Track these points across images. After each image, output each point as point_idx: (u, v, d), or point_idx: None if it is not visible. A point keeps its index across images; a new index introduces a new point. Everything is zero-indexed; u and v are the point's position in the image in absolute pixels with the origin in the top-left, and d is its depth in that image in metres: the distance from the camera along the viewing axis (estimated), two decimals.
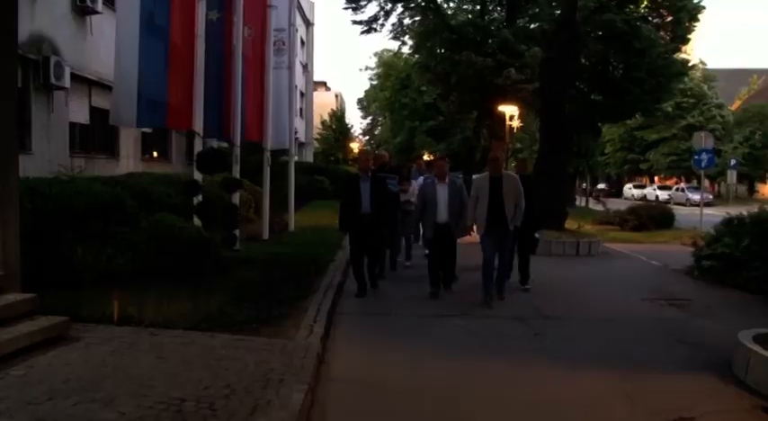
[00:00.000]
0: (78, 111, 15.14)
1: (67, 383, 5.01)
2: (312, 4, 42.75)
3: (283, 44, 16.07)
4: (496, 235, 9.06)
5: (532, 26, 30.31)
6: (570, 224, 17.68)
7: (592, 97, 27.16)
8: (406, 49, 34.56)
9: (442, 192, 9.44)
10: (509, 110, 29.59)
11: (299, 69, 31.50)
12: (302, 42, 38.16)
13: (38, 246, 7.84)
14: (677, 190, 52.01)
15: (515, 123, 32.63)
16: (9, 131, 6.77)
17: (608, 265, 13.15)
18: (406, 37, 31.83)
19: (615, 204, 29.08)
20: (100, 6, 14.88)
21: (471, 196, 9.35)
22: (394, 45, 63.49)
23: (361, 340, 7.12)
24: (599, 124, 31.05)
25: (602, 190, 56.88)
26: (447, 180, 9.57)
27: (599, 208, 28.64)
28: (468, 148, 37.59)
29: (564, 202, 18.15)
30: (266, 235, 14.58)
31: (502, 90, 27.59)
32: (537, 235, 10.39)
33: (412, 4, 30.02)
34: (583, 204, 36.81)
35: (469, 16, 31.58)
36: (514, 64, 27.39)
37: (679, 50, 27.51)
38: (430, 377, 5.92)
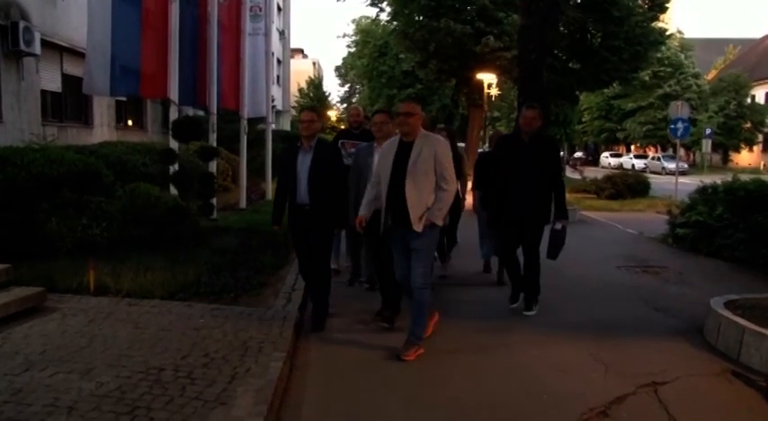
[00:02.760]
0: (50, 79, 14.93)
1: (44, 354, 4.99)
2: None
3: (260, 10, 15.87)
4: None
5: None
6: None
7: (570, 65, 27.03)
8: (384, 17, 34.08)
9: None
10: (487, 78, 29.47)
11: (275, 36, 31.19)
12: (279, 8, 37.72)
13: (11, 216, 7.77)
14: (653, 159, 52.44)
15: (494, 91, 32.56)
16: None
17: (584, 233, 13.24)
18: (384, 3, 31.44)
19: (592, 173, 29.26)
20: None
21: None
22: (372, 12, 62.92)
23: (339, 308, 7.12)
24: (577, 92, 31.02)
25: (579, 158, 57.08)
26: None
27: (576, 176, 28.82)
28: (447, 116, 37.56)
29: None
30: (243, 204, 14.54)
31: (480, 58, 27.43)
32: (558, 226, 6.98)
33: None
34: None
35: None
36: (493, 31, 27.21)
37: (657, 19, 27.40)
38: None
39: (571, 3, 24.44)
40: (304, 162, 6.25)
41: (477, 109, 31.99)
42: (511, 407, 4.65)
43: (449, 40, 27.41)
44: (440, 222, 5.51)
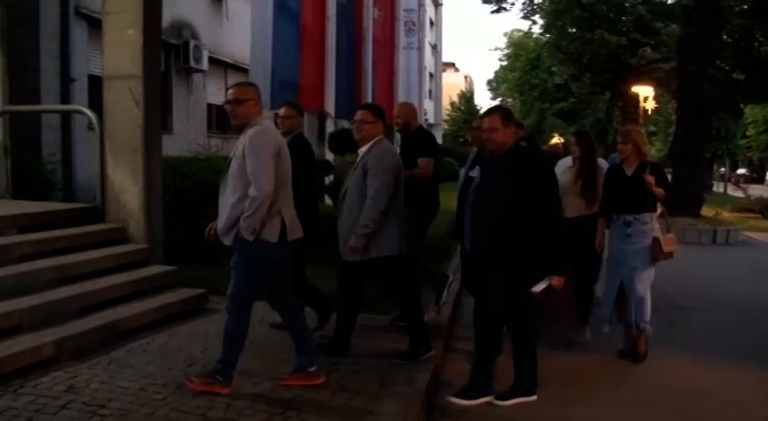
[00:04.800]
0: (215, 93, 15.78)
1: (205, 353, 5.27)
2: None
3: (413, 25, 16.14)
4: None
5: (670, 1, 28.96)
6: (707, 211, 16.89)
7: (734, 76, 25.67)
8: (536, 29, 33.83)
9: None
10: (643, 90, 28.43)
11: (428, 50, 31.53)
12: (431, 23, 38.09)
13: (179, 222, 8.26)
14: None
15: (650, 105, 31.39)
16: (153, 112, 7.19)
17: (748, 256, 12.48)
18: (537, 16, 31.10)
19: (757, 191, 27.51)
20: None
21: None
22: (524, 25, 62.40)
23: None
24: (741, 105, 29.37)
25: (742, 175, 53.87)
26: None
27: (739, 194, 27.21)
28: (600, 131, 36.50)
29: (701, 188, 17.40)
30: None
31: (636, 70, 26.62)
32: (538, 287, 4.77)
33: None
34: (721, 190, 35.06)
35: None
36: (650, 42, 26.40)
37: None
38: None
39: (737, 9, 23.17)
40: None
41: (633, 123, 30.87)
42: None
43: (603, 52, 26.79)
44: (246, 236, 4.34)
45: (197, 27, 14.51)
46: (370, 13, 12.92)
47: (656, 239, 5.73)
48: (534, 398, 4.86)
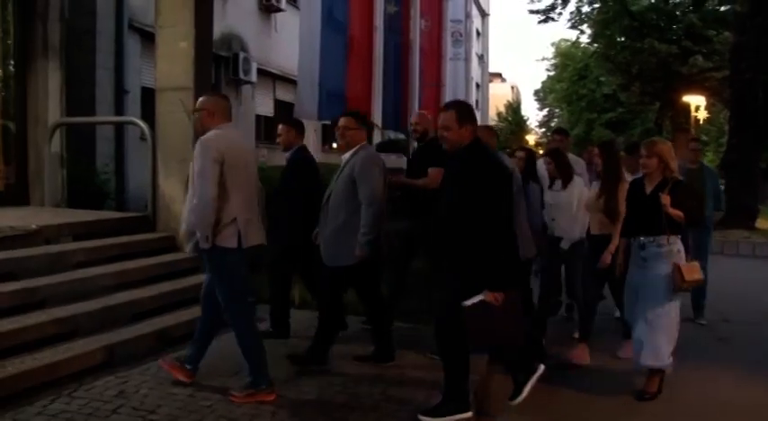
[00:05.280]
0: (263, 104, 16.01)
1: None
2: None
3: (460, 35, 16.14)
4: None
5: (723, 9, 28.47)
6: (762, 223, 16.51)
7: None
8: (584, 39, 33.58)
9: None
10: (695, 100, 27.95)
11: (474, 61, 31.49)
12: (478, 33, 38.03)
13: None
14: None
15: (702, 114, 30.83)
16: None
17: None
18: (585, 25, 30.83)
19: None
20: (284, 4, 15.62)
21: None
22: (572, 34, 61.89)
23: None
24: None
25: None
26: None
27: None
28: None
29: (755, 199, 17.02)
30: None
31: (687, 79, 26.18)
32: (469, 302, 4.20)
33: None
34: None
35: (652, 1, 30.10)
36: (701, 50, 25.96)
37: None
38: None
39: None
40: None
41: (684, 133, 30.35)
42: None
43: (653, 61, 26.44)
44: (202, 244, 4.47)
45: (246, 39, 14.74)
46: (417, 24, 12.96)
47: (676, 266, 5.01)
48: (469, 414, 4.39)
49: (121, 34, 10.89)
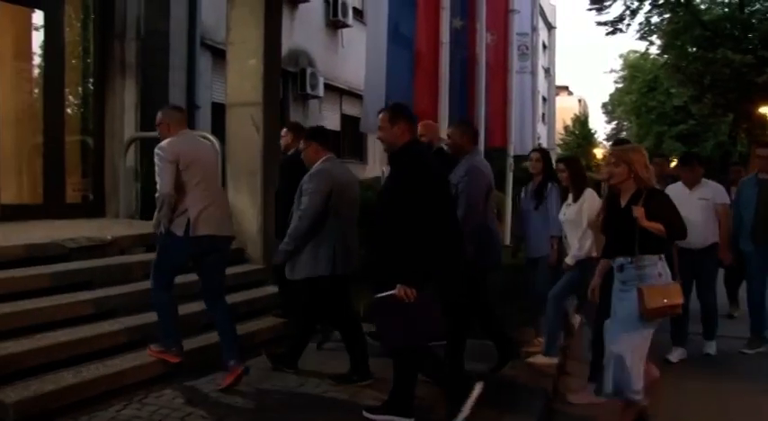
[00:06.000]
0: (330, 119, 16.17)
1: (320, 368, 5.46)
2: (554, 7, 41.94)
3: (527, 49, 15.99)
4: None
5: None
6: None
7: None
8: (653, 50, 32.91)
9: None
10: None
11: (541, 74, 31.20)
12: (544, 46, 37.68)
13: None
14: None
15: None
16: (273, 137, 7.46)
17: None
18: (654, 36, 30.23)
19: None
20: (350, 20, 15.79)
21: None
22: (640, 45, 60.75)
23: None
24: None
25: None
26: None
27: None
28: (723, 154, 34.97)
29: None
30: (507, 240, 14.58)
31: (763, 89, 25.38)
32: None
33: (660, 1, 28.44)
34: None
35: (726, 10, 29.34)
36: None
37: None
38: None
39: None
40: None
41: (763, 147, 29.45)
42: None
43: (726, 72, 25.74)
44: (154, 229, 5.25)
45: (313, 55, 14.95)
46: (483, 38, 12.89)
47: (639, 290, 4.30)
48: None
49: (194, 51, 11.15)
